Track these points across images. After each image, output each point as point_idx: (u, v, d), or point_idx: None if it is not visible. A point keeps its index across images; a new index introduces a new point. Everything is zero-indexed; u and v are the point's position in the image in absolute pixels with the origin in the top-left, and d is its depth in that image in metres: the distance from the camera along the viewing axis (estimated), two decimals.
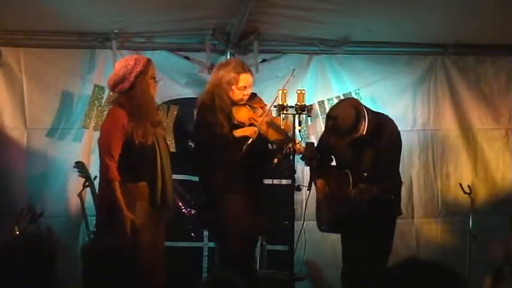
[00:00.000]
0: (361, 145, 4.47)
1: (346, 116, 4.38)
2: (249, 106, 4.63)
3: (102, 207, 4.39)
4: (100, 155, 4.34)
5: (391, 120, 4.61)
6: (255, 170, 4.61)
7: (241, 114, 4.59)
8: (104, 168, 4.27)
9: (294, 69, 4.70)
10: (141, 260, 4.03)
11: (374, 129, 4.46)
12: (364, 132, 4.44)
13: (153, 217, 4.34)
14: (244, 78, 4.57)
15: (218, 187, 4.57)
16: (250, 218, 4.57)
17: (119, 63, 4.39)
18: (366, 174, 4.39)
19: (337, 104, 4.78)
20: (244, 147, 4.40)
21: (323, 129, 5.28)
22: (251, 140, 4.42)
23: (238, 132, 4.51)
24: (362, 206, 4.29)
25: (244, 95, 4.60)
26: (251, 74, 4.64)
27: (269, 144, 4.59)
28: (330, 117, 4.46)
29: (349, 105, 4.47)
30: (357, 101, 4.75)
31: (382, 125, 4.51)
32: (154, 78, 4.36)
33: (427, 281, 1.91)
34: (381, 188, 4.33)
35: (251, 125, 4.53)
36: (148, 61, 4.33)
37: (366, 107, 4.56)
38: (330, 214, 4.61)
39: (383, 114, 4.69)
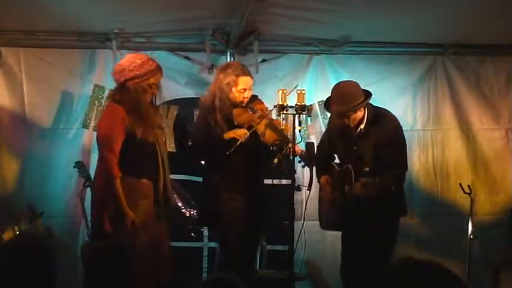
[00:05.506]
0: (362, 139, 4.47)
1: (351, 84, 4.45)
2: (250, 108, 4.66)
3: (100, 204, 4.31)
4: (99, 150, 4.32)
5: (390, 113, 4.60)
6: (252, 170, 4.62)
7: (242, 116, 4.63)
8: (104, 164, 4.22)
9: (297, 85, 4.75)
10: (144, 259, 4.02)
11: (375, 122, 4.46)
12: (364, 122, 4.45)
13: (155, 215, 4.33)
14: (244, 81, 4.61)
15: (215, 187, 4.60)
16: (248, 217, 4.58)
17: (132, 54, 4.45)
18: (367, 168, 4.37)
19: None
20: (233, 148, 4.42)
21: (323, 129, 5.29)
22: (239, 142, 4.43)
23: (228, 135, 4.53)
24: (366, 202, 4.28)
25: (244, 98, 4.64)
26: (251, 76, 4.68)
27: (270, 146, 4.59)
28: (335, 89, 4.50)
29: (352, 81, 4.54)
30: None
31: (383, 117, 4.51)
32: (156, 84, 4.36)
33: (425, 281, 1.91)
34: (383, 180, 4.31)
35: (250, 126, 4.55)
36: (158, 68, 4.36)
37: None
38: (332, 211, 4.60)
39: (383, 108, 4.68)
